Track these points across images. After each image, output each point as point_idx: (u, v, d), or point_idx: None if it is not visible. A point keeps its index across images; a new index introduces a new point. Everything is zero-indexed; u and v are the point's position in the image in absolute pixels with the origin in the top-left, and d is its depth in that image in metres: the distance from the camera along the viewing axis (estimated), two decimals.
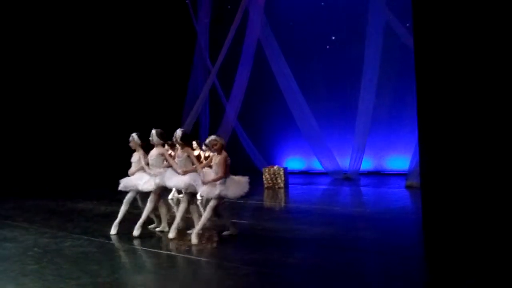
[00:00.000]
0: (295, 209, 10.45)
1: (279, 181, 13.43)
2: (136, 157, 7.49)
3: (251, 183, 6.95)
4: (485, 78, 5.56)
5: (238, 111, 17.57)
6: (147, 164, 7.28)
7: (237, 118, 17.67)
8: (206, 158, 11.33)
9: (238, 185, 6.85)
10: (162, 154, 7.27)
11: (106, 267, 5.64)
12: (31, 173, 16.25)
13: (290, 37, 17.76)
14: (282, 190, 12.97)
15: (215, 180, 6.69)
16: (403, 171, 14.53)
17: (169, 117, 18.70)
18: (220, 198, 6.78)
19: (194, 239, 6.66)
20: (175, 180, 7.03)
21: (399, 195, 11.50)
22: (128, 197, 7.39)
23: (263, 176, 13.60)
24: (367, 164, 16.24)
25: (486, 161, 5.49)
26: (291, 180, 14.52)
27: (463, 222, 5.62)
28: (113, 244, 6.87)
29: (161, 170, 7.22)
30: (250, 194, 7.21)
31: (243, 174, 7.02)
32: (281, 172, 13.50)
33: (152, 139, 7.39)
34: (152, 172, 7.21)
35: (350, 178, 15.22)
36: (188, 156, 7.04)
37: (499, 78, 5.45)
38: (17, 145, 16.35)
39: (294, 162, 18.34)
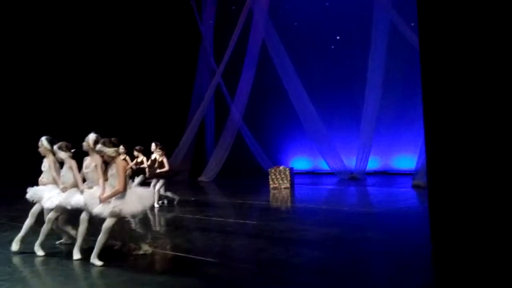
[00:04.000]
0: (301, 209, 10.44)
1: (285, 181, 13.44)
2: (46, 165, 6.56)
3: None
4: (492, 77, 5.53)
5: (243, 112, 17.58)
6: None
7: (242, 119, 17.69)
8: (137, 163, 10.88)
9: (139, 199, 5.84)
10: (70, 167, 6.31)
11: (114, 268, 5.65)
12: (37, 175, 16.31)
13: (295, 37, 17.77)
14: (288, 191, 12.97)
15: (112, 195, 5.69)
16: (410, 171, 14.49)
17: (175, 118, 18.77)
18: (115, 216, 5.70)
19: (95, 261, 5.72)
20: (77, 198, 6.08)
21: (406, 195, 11.46)
22: (34, 209, 6.64)
23: (269, 177, 13.59)
24: (373, 163, 16.22)
25: (494, 160, 5.47)
26: (297, 180, 14.52)
27: (471, 221, 5.59)
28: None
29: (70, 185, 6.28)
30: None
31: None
32: (287, 172, 13.50)
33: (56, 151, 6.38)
34: (62, 187, 6.34)
35: (356, 178, 15.20)
36: (96, 167, 5.99)
37: (505, 77, 5.42)
38: (23, 147, 16.42)
39: (300, 162, 18.33)
